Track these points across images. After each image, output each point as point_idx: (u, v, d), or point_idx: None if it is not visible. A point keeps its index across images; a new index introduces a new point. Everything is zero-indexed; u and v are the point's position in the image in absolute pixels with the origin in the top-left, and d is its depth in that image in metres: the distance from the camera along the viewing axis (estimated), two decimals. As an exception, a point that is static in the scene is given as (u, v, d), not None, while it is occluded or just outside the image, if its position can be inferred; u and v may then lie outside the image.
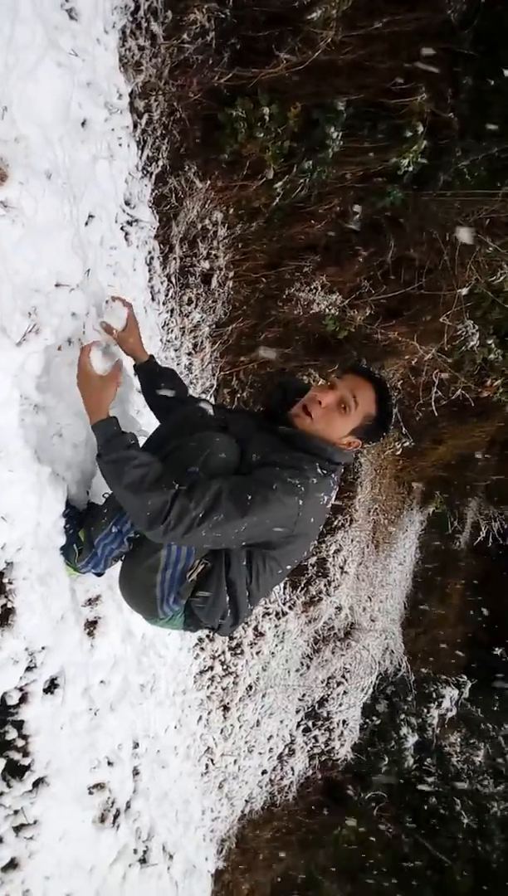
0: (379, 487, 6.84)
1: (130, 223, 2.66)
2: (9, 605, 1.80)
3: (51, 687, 2.18)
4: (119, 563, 2.06)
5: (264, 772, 6.19)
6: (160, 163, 3.21)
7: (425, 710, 8.57)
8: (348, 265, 3.96)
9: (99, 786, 2.64)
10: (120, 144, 2.49)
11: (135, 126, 2.94)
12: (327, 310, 3.95)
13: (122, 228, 2.58)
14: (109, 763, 2.73)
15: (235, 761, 5.52)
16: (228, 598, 1.91)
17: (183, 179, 3.35)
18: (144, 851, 3.40)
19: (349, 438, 1.95)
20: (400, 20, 3.22)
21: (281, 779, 6.53)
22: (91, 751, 2.47)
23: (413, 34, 3.32)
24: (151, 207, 3.07)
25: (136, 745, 3.07)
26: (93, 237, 2.27)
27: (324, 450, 1.91)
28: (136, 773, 3.22)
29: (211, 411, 2.15)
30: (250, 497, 1.72)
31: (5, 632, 1.82)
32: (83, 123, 2.15)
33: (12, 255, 1.62)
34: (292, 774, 6.65)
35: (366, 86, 3.41)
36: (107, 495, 2.03)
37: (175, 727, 4.05)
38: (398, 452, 6.04)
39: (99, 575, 2.15)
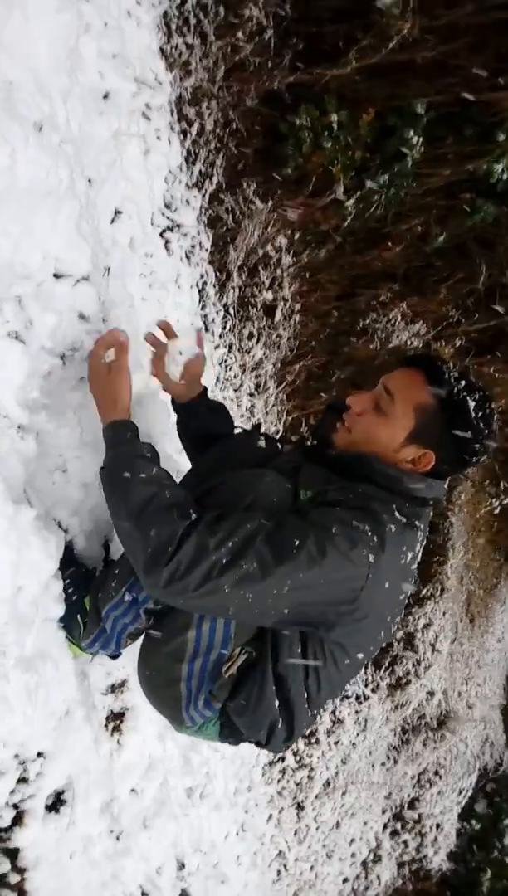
0: (472, 552, 6.11)
1: (170, 229, 2.27)
2: (-25, 700, 1.32)
3: (56, 804, 1.67)
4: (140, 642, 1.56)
5: (345, 880, 5.39)
6: (215, 180, 2.85)
7: (533, 813, 7.46)
8: (432, 293, 3.48)
9: (129, 925, 2.07)
10: (158, 137, 2.13)
11: (184, 134, 2.61)
12: (408, 342, 3.45)
13: (161, 235, 2.20)
14: (144, 894, 2.16)
15: (311, 867, 4.79)
16: (277, 702, 1.36)
17: (241, 199, 2.98)
18: None
19: (410, 450, 1.39)
20: (488, 6, 2.81)
21: (366, 889, 5.68)
22: (115, 883, 1.92)
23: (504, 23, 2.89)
24: (200, 222, 2.69)
25: (181, 867, 2.48)
26: (120, 237, 1.89)
27: (397, 479, 1.36)
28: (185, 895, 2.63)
29: (262, 443, 1.67)
30: (297, 543, 1.19)
31: (-26, 735, 1.34)
32: (105, 96, 1.80)
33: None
34: (379, 884, 5.78)
35: (449, 85, 2.99)
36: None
37: (237, 833, 3.43)
38: (496, 511, 5.34)
39: (114, 657, 1.65)
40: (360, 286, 3.45)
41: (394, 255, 3.42)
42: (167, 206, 2.24)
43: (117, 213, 1.87)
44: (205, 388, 1.75)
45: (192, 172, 2.62)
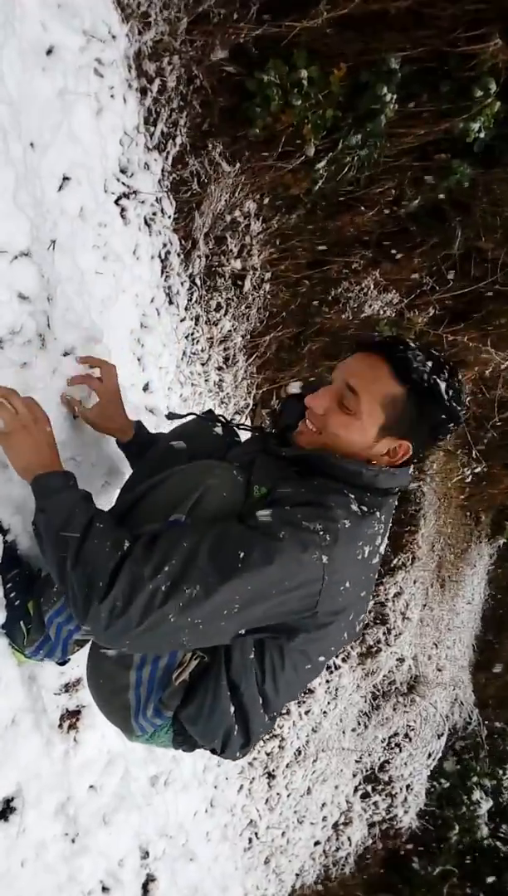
0: (444, 519, 6.10)
1: (126, 195, 2.11)
2: None
3: (4, 812, 1.60)
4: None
5: (316, 843, 5.49)
6: (178, 141, 2.68)
7: (500, 771, 7.60)
8: (405, 260, 3.35)
9: (89, 920, 2.03)
10: (112, 96, 1.96)
11: (144, 92, 2.43)
12: (381, 312, 3.33)
13: (116, 202, 2.04)
14: (105, 889, 2.12)
15: (283, 833, 4.86)
16: (232, 709, 1.28)
17: (207, 161, 2.82)
18: None
19: (384, 443, 1.28)
20: (467, -47, 2.64)
21: (336, 850, 5.80)
22: (71, 885, 1.86)
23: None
24: (163, 187, 2.53)
25: (145, 855, 2.45)
26: (69, 206, 1.74)
27: (357, 473, 1.25)
28: (151, 880, 2.60)
29: (219, 429, 1.56)
30: (242, 554, 1.09)
31: None
32: (49, 51, 1.62)
33: None
34: (350, 845, 5.90)
35: (425, 38, 2.82)
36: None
37: (206, 810, 3.42)
38: (468, 479, 5.29)
39: (61, 664, 1.56)
40: (332, 254, 3.31)
41: (367, 219, 3.28)
42: (123, 171, 2.08)
43: (65, 179, 1.71)
44: (138, 424, 1.71)
45: (152, 134, 2.45)
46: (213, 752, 1.37)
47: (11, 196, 1.31)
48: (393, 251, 3.35)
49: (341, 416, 1.27)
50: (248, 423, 3.52)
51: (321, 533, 1.12)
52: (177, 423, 1.64)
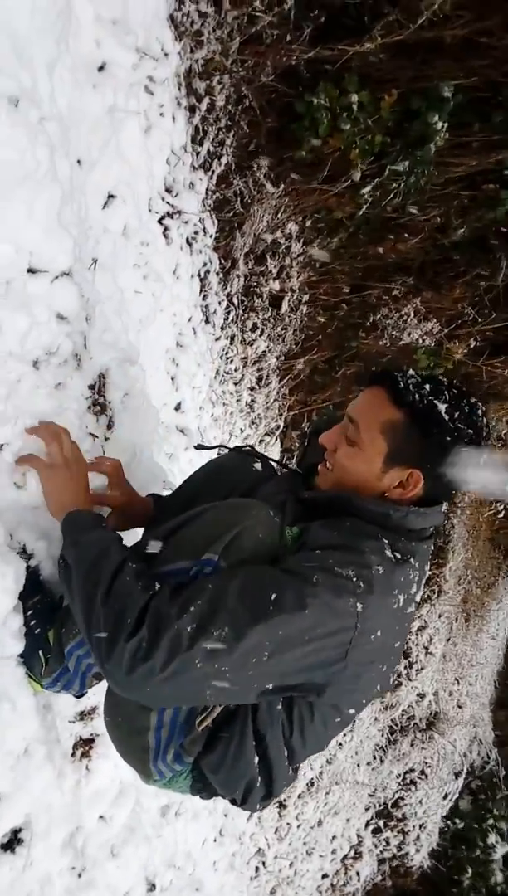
0: (472, 552, 5.97)
1: (170, 215, 2.08)
2: None
3: (12, 843, 1.55)
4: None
5: (324, 875, 5.35)
6: (224, 160, 2.66)
7: (517, 815, 7.37)
8: (448, 289, 3.29)
9: None
10: (162, 114, 1.94)
11: (192, 110, 2.42)
12: (420, 340, 3.27)
13: (160, 221, 2.01)
14: (109, 922, 2.05)
15: (290, 864, 4.74)
16: (256, 759, 1.21)
17: (251, 181, 2.79)
18: None
19: (393, 473, 1.23)
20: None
21: (344, 885, 5.65)
22: (76, 919, 1.80)
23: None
24: (206, 206, 2.50)
25: (152, 888, 2.38)
26: (113, 224, 1.71)
27: (384, 515, 1.20)
28: (155, 912, 2.53)
29: (259, 465, 1.51)
30: (273, 596, 1.03)
31: None
32: (101, 67, 1.61)
33: None
34: (358, 880, 5.75)
35: (479, 67, 2.77)
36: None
37: (214, 839, 3.34)
38: (501, 514, 5.18)
39: (78, 696, 1.50)
40: (372, 279, 3.26)
41: (410, 246, 3.23)
42: (168, 191, 2.06)
43: (110, 197, 1.69)
44: (154, 497, 1.62)
45: (198, 153, 2.43)
46: (232, 802, 1.31)
47: (56, 214, 1.28)
48: (436, 280, 3.29)
49: (347, 450, 1.26)
50: (278, 446, 3.47)
51: (355, 580, 1.07)
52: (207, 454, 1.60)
